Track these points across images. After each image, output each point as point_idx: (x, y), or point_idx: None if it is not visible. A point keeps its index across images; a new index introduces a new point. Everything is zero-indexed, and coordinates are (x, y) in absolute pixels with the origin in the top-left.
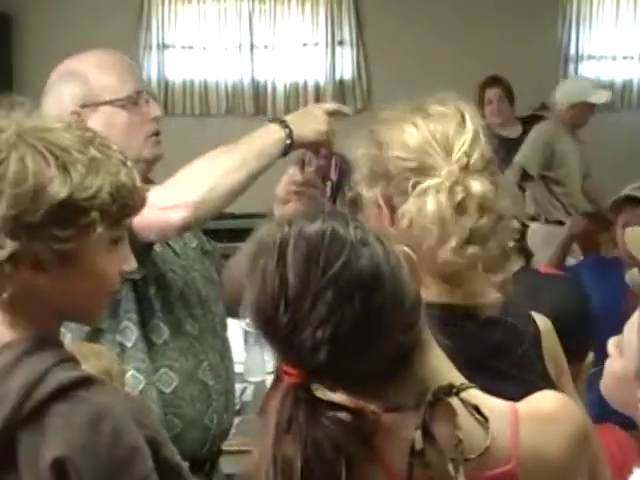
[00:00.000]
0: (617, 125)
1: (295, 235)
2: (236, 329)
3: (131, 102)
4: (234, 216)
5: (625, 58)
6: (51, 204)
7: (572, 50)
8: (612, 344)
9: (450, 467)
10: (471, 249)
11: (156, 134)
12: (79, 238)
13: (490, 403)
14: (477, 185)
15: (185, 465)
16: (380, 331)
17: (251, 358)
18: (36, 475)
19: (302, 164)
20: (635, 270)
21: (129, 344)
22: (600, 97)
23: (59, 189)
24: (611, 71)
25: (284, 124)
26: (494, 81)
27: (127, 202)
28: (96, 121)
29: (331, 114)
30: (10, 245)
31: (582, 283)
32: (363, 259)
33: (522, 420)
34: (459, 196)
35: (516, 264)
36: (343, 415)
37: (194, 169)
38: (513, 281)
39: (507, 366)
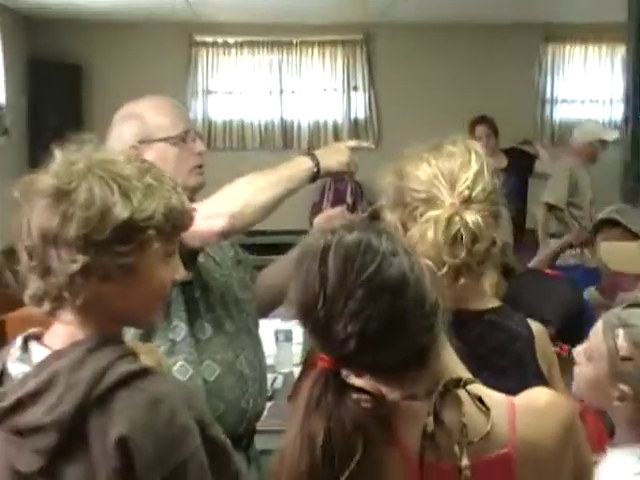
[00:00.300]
0: None
1: (336, 243)
2: (269, 328)
3: (180, 140)
4: (264, 233)
5: (591, 101)
6: (115, 224)
7: (548, 94)
8: (578, 352)
9: (456, 448)
10: (463, 278)
11: (199, 166)
12: (138, 253)
13: (490, 395)
14: (472, 217)
15: (229, 442)
16: (403, 329)
17: (281, 353)
18: (104, 451)
19: (323, 189)
20: (593, 288)
21: (178, 339)
22: (611, 135)
23: (121, 212)
24: (580, 112)
25: (313, 156)
26: (482, 120)
27: (178, 222)
28: (151, 155)
29: (352, 149)
30: (81, 259)
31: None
32: (392, 267)
33: (518, 411)
34: (455, 227)
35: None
36: (366, 399)
37: (234, 187)
38: (522, 283)
39: (505, 364)
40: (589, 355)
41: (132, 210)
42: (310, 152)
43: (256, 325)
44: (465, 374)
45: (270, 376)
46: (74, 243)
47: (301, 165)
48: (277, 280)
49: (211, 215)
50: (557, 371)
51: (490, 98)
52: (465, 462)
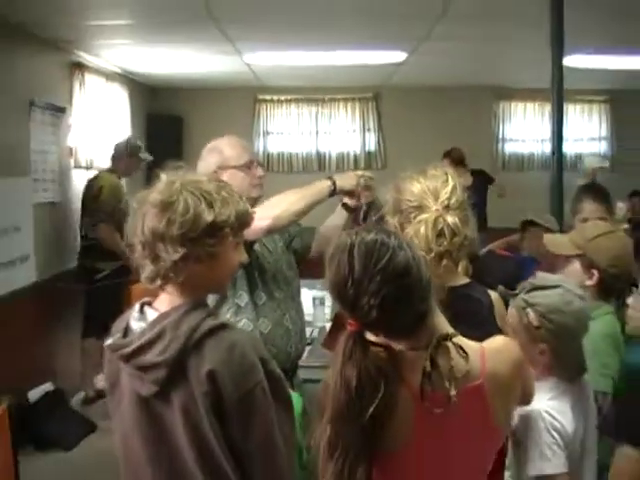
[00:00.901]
0: (525, 180)
1: (359, 241)
2: (308, 295)
3: (246, 167)
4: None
5: (530, 140)
6: (204, 225)
7: (500, 135)
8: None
9: (447, 383)
10: (445, 261)
11: (259, 184)
12: (219, 244)
13: (468, 344)
14: (452, 219)
15: (282, 374)
16: (409, 301)
17: (316, 312)
18: (198, 380)
19: (346, 204)
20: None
21: (242, 304)
22: (605, 162)
23: (207, 216)
24: (523, 148)
25: (332, 179)
26: (451, 150)
27: (243, 221)
28: (226, 177)
29: (360, 175)
30: (181, 250)
31: None
32: (400, 257)
33: (487, 353)
34: (440, 226)
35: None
36: (382, 351)
37: (277, 199)
38: (482, 262)
39: (476, 323)
40: (513, 331)
41: (215, 215)
42: (330, 177)
43: (298, 293)
44: (450, 330)
45: (308, 329)
46: (176, 239)
47: (323, 185)
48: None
49: (261, 218)
50: (507, 327)
51: (461, 137)
52: (453, 392)
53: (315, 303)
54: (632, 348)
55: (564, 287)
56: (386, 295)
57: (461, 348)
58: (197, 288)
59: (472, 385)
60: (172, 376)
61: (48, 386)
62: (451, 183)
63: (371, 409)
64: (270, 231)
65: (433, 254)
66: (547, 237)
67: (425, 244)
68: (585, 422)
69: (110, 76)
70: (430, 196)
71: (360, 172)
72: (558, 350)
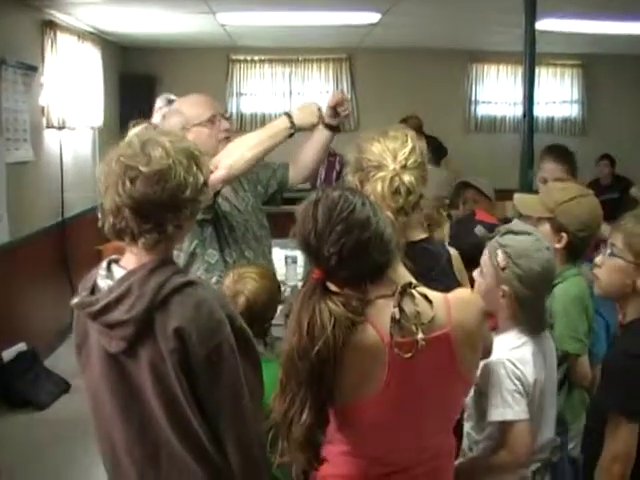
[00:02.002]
0: (497, 141)
1: (324, 196)
2: (281, 254)
3: (210, 122)
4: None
5: (502, 103)
6: (200, 187)
7: (473, 97)
8: (475, 274)
9: (414, 327)
10: (401, 217)
11: (227, 138)
12: (204, 199)
13: (432, 294)
14: (408, 177)
15: (249, 331)
16: (366, 252)
17: (289, 271)
18: (165, 337)
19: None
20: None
21: (213, 262)
22: None
23: (200, 177)
24: (495, 110)
25: (290, 118)
26: (408, 118)
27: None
28: (191, 136)
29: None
30: (183, 214)
31: None
32: (361, 212)
33: (452, 303)
34: (395, 184)
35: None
36: (339, 299)
37: (233, 145)
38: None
39: (435, 275)
40: (481, 272)
41: (203, 175)
42: (288, 113)
43: (270, 252)
44: (413, 280)
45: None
46: (180, 205)
47: (281, 125)
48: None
49: (215, 168)
50: (467, 283)
51: (434, 99)
52: (420, 336)
53: (287, 262)
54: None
55: (536, 236)
56: (345, 244)
57: (425, 296)
58: (166, 244)
59: (439, 333)
60: (140, 333)
61: (22, 346)
62: (410, 144)
63: (316, 348)
64: (226, 181)
65: (389, 211)
66: (517, 197)
67: (381, 201)
68: (546, 374)
69: (82, 35)
70: (389, 156)
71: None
72: (520, 296)
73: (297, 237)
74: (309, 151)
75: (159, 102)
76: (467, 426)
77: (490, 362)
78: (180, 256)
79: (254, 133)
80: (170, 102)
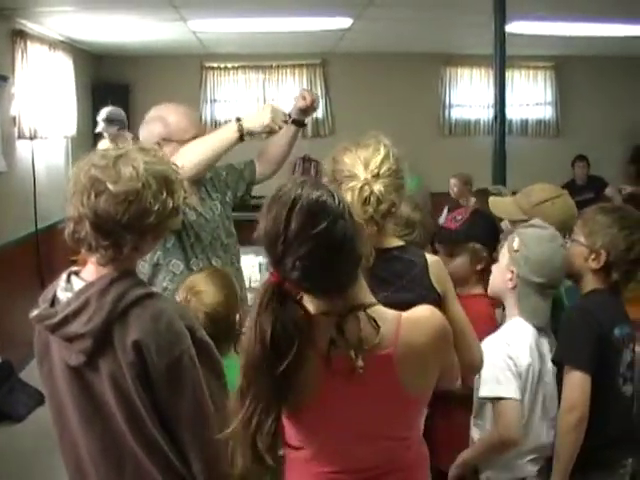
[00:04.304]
0: (471, 144)
1: (303, 197)
2: (255, 261)
3: (191, 141)
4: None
5: (475, 106)
6: (168, 212)
7: (447, 101)
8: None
9: (352, 352)
10: (371, 226)
11: None
12: (172, 222)
13: (385, 314)
14: (378, 186)
15: (211, 341)
16: (333, 274)
17: (263, 278)
18: (124, 350)
19: (294, 166)
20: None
21: (177, 272)
22: None
23: (170, 203)
24: (469, 113)
25: (239, 121)
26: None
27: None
28: (168, 151)
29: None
30: (144, 236)
31: None
32: (337, 227)
33: (403, 323)
34: (365, 193)
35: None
36: (299, 308)
37: (181, 152)
38: None
39: (405, 283)
40: (500, 257)
41: (174, 200)
42: (238, 118)
43: (238, 260)
44: (369, 300)
45: (251, 296)
46: (143, 229)
47: (229, 130)
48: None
49: None
50: (450, 287)
51: (408, 103)
52: (360, 363)
53: (261, 269)
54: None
55: (554, 232)
56: (313, 261)
57: (373, 319)
58: (128, 257)
59: (381, 353)
60: (99, 346)
61: None
62: (382, 152)
63: (285, 363)
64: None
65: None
66: (492, 200)
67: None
68: (546, 370)
69: (53, 44)
70: (360, 165)
71: (276, 105)
72: (526, 280)
73: (263, 233)
74: (274, 145)
75: (100, 124)
76: (473, 414)
77: (488, 342)
78: (145, 266)
79: (203, 138)
80: (111, 122)
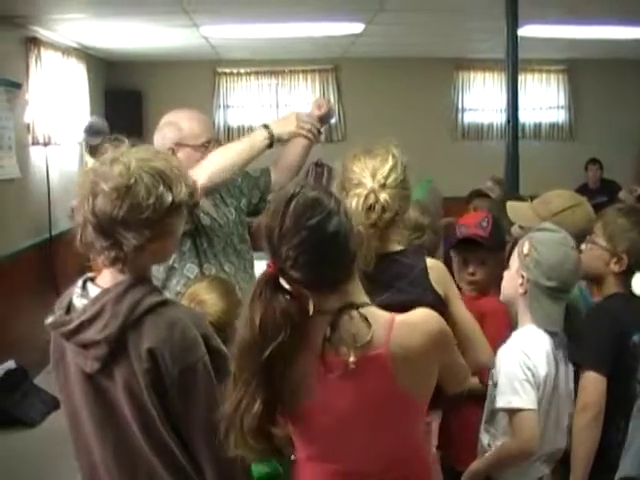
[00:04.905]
0: (484, 148)
1: (300, 194)
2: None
3: (204, 147)
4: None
5: (487, 110)
6: (165, 207)
7: (460, 105)
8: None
9: (344, 349)
10: (373, 233)
11: None
12: (177, 221)
13: (377, 314)
14: (384, 195)
15: (225, 349)
16: (325, 264)
17: None
18: (138, 357)
19: (307, 171)
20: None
21: (192, 276)
22: None
23: (168, 198)
24: (482, 117)
25: (267, 128)
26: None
27: (192, 194)
28: (182, 155)
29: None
30: (144, 234)
31: None
32: (332, 222)
33: (396, 324)
34: (370, 201)
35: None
36: (291, 300)
37: (211, 157)
38: None
39: (403, 285)
40: (510, 263)
41: (173, 195)
42: (266, 125)
43: (252, 266)
44: (363, 300)
45: None
46: (139, 224)
47: (258, 137)
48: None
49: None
50: (455, 295)
51: (420, 107)
52: (352, 359)
53: None
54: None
55: (564, 235)
56: (304, 251)
57: (366, 318)
58: (142, 263)
59: (373, 353)
60: (114, 353)
61: (10, 364)
62: (391, 162)
63: (270, 349)
64: (205, 191)
65: (362, 227)
66: (510, 205)
67: (355, 217)
68: (560, 378)
69: (66, 51)
70: (368, 174)
71: (303, 113)
72: (537, 283)
73: (263, 227)
74: (291, 154)
75: (82, 135)
76: (484, 421)
77: (503, 351)
78: (159, 270)
79: (232, 144)
80: (93, 133)
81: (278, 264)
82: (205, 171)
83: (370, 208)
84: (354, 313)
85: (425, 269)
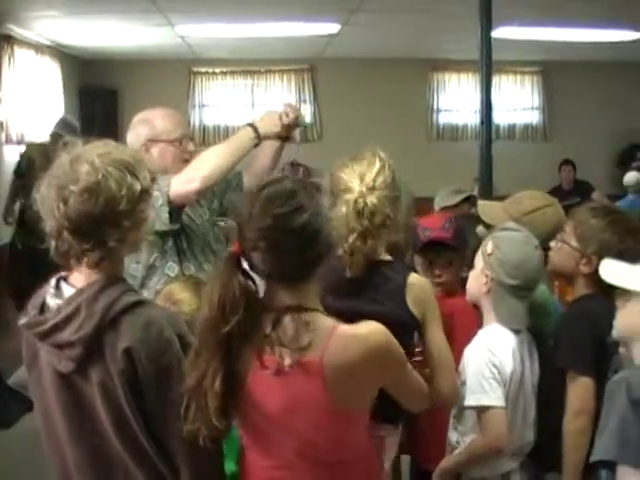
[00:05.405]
0: (459, 149)
1: (275, 184)
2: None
3: (178, 142)
4: None
5: (462, 110)
6: (136, 196)
7: (435, 106)
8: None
9: (282, 351)
10: (370, 240)
11: (187, 160)
12: (147, 207)
13: (321, 321)
14: (372, 199)
15: None
16: (281, 257)
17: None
18: (114, 358)
19: (282, 171)
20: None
21: (172, 275)
22: None
23: (136, 186)
24: (456, 118)
25: (254, 128)
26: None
27: (154, 178)
28: (156, 151)
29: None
30: (123, 226)
31: None
32: (301, 217)
33: (336, 335)
34: (359, 205)
35: None
36: (250, 284)
37: (202, 158)
38: None
39: (378, 296)
40: (475, 263)
41: (140, 182)
42: (251, 124)
43: None
44: (313, 304)
45: None
46: (116, 217)
47: (246, 137)
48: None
49: (189, 180)
50: (431, 312)
51: (396, 108)
52: (287, 362)
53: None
54: None
55: (527, 234)
56: (264, 238)
57: (308, 323)
58: (112, 261)
59: (308, 359)
60: (89, 353)
61: None
62: (378, 165)
63: (229, 326)
64: (200, 193)
65: (355, 233)
66: (481, 205)
67: (345, 223)
68: (526, 374)
69: (40, 49)
70: (356, 179)
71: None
72: (501, 283)
73: (237, 208)
74: (264, 156)
75: (51, 131)
76: (452, 418)
77: (470, 350)
78: (138, 268)
79: (221, 145)
80: (65, 128)
81: (242, 246)
82: (198, 174)
83: (359, 213)
84: (298, 316)
85: (404, 285)
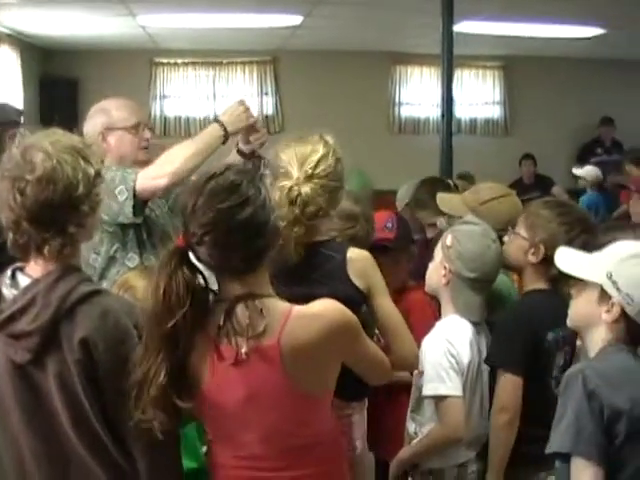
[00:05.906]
0: (421, 142)
1: (221, 175)
2: None
3: (134, 129)
4: None
5: (424, 104)
6: (91, 179)
7: (397, 99)
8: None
9: (238, 339)
10: (297, 228)
11: (146, 147)
12: (100, 191)
13: (274, 305)
14: (306, 189)
15: None
16: (227, 250)
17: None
18: (70, 348)
19: (240, 150)
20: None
21: (132, 265)
22: None
23: (90, 169)
24: (418, 112)
25: (221, 125)
26: None
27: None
28: (113, 138)
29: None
30: (82, 210)
31: None
32: (244, 212)
33: (292, 316)
34: (293, 194)
35: None
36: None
37: (170, 154)
38: None
39: (318, 277)
40: (434, 255)
41: (92, 166)
42: (218, 120)
43: None
44: (266, 291)
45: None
46: (75, 202)
47: (215, 133)
48: None
49: (156, 176)
50: (376, 282)
51: (358, 101)
52: (243, 349)
53: None
54: None
55: (485, 227)
56: (208, 232)
57: (261, 310)
58: (74, 246)
59: (265, 344)
60: (45, 343)
61: None
62: (321, 152)
63: (174, 320)
64: (168, 189)
65: (285, 222)
66: (440, 196)
67: (279, 209)
68: (483, 366)
69: None
70: (296, 163)
71: (242, 102)
72: (459, 275)
73: (182, 200)
74: (216, 162)
75: None
76: (410, 408)
77: (428, 341)
78: (97, 259)
79: (189, 142)
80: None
81: (187, 239)
82: (165, 170)
83: (292, 202)
84: (250, 303)
85: (344, 260)
